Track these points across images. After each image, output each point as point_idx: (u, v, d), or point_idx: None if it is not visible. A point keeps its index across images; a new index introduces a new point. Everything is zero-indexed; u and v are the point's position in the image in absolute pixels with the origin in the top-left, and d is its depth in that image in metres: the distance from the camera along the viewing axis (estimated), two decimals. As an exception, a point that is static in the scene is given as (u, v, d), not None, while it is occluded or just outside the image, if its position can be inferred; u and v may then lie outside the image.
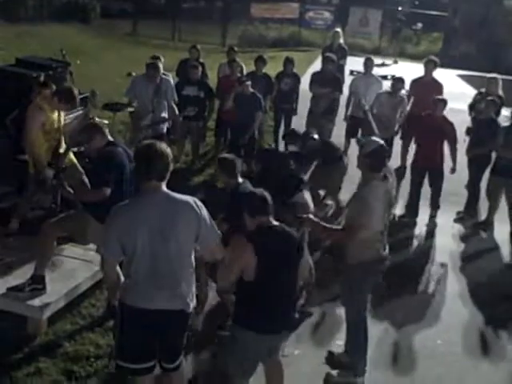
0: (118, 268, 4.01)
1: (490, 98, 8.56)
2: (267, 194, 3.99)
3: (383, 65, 19.97)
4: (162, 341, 3.81)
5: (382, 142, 4.80)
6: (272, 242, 3.88)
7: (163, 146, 3.72)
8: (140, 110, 8.12)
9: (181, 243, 3.65)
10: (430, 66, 9.60)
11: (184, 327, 3.87)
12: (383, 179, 4.64)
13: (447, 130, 8.00)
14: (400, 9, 22.63)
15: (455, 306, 6.34)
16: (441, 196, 8.31)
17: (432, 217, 8.32)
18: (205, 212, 3.74)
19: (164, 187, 3.71)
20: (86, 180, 6.15)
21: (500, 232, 8.13)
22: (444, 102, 8.13)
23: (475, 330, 5.93)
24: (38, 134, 5.96)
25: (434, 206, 8.35)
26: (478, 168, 8.40)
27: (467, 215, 8.51)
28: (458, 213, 8.58)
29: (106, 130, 5.24)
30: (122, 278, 3.88)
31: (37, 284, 4.95)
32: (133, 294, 3.73)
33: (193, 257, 3.79)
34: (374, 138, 5.01)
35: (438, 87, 9.38)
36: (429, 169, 8.17)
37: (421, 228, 8.18)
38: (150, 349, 3.80)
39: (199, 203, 3.73)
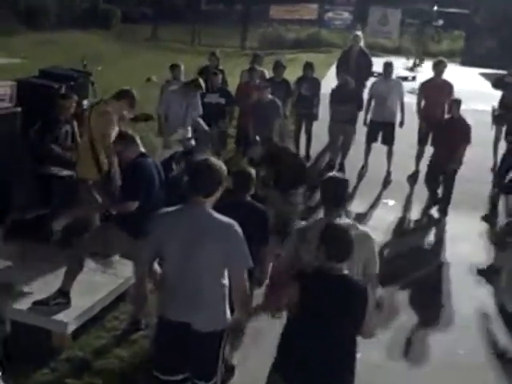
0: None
1: None
2: (352, 236, 3.51)
3: (412, 69, 19.81)
4: (188, 356, 3.78)
5: (341, 177, 4.18)
6: (326, 292, 3.44)
7: (217, 164, 3.70)
8: (171, 125, 8.16)
9: (209, 261, 3.64)
10: (439, 68, 9.55)
11: (210, 346, 3.77)
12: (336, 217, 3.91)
13: (464, 132, 8.04)
14: (436, 8, 22.15)
15: (478, 314, 6.24)
16: (450, 203, 8.33)
17: (440, 221, 8.33)
18: (240, 239, 3.66)
19: (208, 204, 3.69)
20: None
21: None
22: (458, 103, 8.19)
23: (499, 339, 5.82)
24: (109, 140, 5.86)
25: (443, 211, 8.38)
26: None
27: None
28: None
29: (139, 141, 5.28)
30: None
31: (62, 298, 5.00)
32: (162, 304, 3.83)
33: (225, 279, 3.72)
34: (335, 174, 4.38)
35: (448, 88, 9.33)
36: (444, 172, 8.22)
37: (444, 235, 8.12)
38: (178, 361, 3.78)
39: (237, 229, 3.65)
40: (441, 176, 8.36)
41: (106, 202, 5.79)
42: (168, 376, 3.81)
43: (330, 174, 4.26)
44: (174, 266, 3.68)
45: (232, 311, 3.82)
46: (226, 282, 3.73)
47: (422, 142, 9.51)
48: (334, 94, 9.86)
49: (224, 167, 3.73)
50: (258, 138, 7.26)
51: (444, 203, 8.38)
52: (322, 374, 3.46)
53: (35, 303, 4.97)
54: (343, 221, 3.91)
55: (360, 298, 3.47)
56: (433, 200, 8.54)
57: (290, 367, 3.53)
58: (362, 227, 4.02)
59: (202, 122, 8.48)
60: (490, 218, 8.47)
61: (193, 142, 8.40)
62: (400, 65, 17.40)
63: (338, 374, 3.51)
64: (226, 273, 3.70)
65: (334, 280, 3.45)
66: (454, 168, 8.15)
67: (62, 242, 6.05)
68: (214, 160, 3.75)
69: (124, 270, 5.65)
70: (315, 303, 3.42)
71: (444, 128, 8.28)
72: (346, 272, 3.49)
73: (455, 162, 8.08)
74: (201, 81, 8.26)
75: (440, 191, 8.51)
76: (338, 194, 3.99)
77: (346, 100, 9.55)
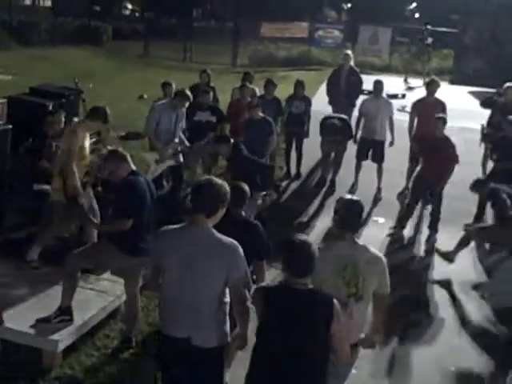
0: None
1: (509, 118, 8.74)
2: (315, 250, 3.50)
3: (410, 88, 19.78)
4: (190, 372, 3.79)
5: (356, 198, 4.10)
6: (288, 305, 3.46)
7: (220, 183, 3.74)
8: (163, 139, 8.18)
9: (209, 281, 3.67)
10: (433, 87, 9.65)
11: (212, 362, 3.81)
12: (353, 243, 3.93)
13: (450, 151, 8.11)
14: (428, 27, 22.09)
15: (469, 329, 6.24)
16: (440, 220, 8.38)
17: (431, 238, 8.37)
18: (241, 259, 3.72)
19: (210, 224, 3.72)
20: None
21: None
22: (443, 121, 8.27)
23: (490, 354, 5.79)
24: (73, 160, 5.91)
25: (433, 228, 8.43)
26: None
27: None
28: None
29: (130, 160, 5.30)
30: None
31: (64, 315, 4.99)
32: (161, 319, 3.90)
33: (224, 297, 3.75)
34: (350, 196, 4.27)
35: (441, 107, 9.42)
36: (430, 189, 8.32)
37: (433, 252, 8.11)
38: (181, 377, 3.82)
39: (239, 250, 3.71)
40: (428, 194, 8.43)
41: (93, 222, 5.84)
42: None
43: (350, 200, 4.07)
44: (175, 283, 3.71)
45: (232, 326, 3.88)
46: (226, 299, 3.76)
47: (412, 160, 9.58)
48: (326, 124, 9.74)
49: (226, 187, 3.76)
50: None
51: (434, 221, 8.44)
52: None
53: (38, 320, 4.94)
54: (356, 243, 3.91)
55: (325, 310, 3.45)
56: (406, 216, 8.60)
57: (260, 380, 3.56)
58: (373, 249, 3.98)
59: (182, 136, 8.49)
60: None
61: (181, 158, 8.43)
62: (390, 83, 17.50)
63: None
64: (226, 290, 3.74)
65: (298, 294, 3.46)
66: (440, 188, 8.24)
67: (44, 261, 6.03)
68: (216, 179, 3.79)
69: (115, 288, 5.65)
70: (280, 318, 3.45)
71: (429, 148, 8.34)
72: (310, 286, 3.50)
73: (441, 182, 8.18)
74: (187, 91, 8.31)
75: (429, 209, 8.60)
76: (356, 222, 4.01)
77: (336, 131, 9.62)
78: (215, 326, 3.75)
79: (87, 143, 6.15)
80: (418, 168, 8.77)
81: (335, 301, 3.52)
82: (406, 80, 21.40)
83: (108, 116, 6.12)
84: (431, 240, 8.35)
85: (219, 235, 3.71)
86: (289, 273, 3.48)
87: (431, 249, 8.15)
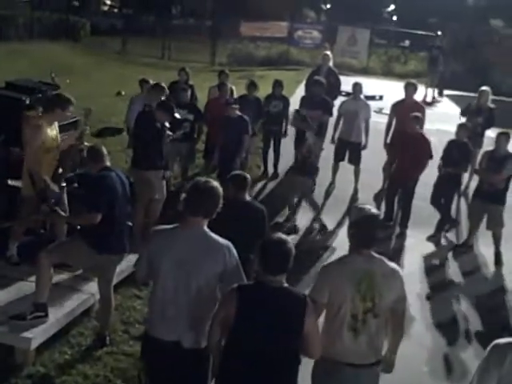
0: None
1: (461, 122, 8.91)
2: (290, 248, 3.51)
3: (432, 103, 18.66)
4: (178, 373, 3.79)
5: (372, 212, 3.84)
6: (262, 303, 3.44)
7: (216, 186, 3.78)
8: None
9: (204, 281, 3.68)
10: (410, 89, 9.73)
11: (199, 362, 3.80)
12: (369, 256, 3.75)
13: (423, 147, 8.22)
14: (439, 33, 21.70)
15: (440, 332, 6.31)
16: (410, 216, 8.49)
17: (401, 234, 8.47)
18: (235, 259, 3.75)
19: (205, 225, 3.76)
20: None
21: (483, 254, 8.24)
22: (418, 119, 8.37)
23: (462, 357, 5.88)
24: (38, 153, 5.84)
25: (404, 225, 8.55)
26: (448, 187, 8.54)
27: (438, 233, 8.64)
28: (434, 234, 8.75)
29: (106, 156, 5.28)
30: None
31: (39, 312, 4.94)
32: (150, 321, 3.86)
33: (216, 297, 3.75)
34: (366, 205, 3.93)
35: (419, 110, 9.49)
36: (401, 183, 8.47)
37: (410, 253, 8.20)
38: (168, 379, 3.81)
39: (233, 250, 3.75)
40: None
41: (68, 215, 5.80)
42: None
43: (365, 210, 3.82)
44: (168, 285, 3.70)
45: None
46: (217, 299, 3.75)
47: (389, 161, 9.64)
48: (305, 99, 10.05)
49: (220, 188, 3.78)
50: None
51: (404, 217, 8.60)
52: None
53: (12, 317, 4.89)
54: (373, 256, 3.74)
55: (299, 307, 3.43)
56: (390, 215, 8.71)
57: (232, 380, 3.53)
58: (390, 262, 3.80)
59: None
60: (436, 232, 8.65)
61: None
62: (367, 85, 17.58)
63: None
64: (217, 289, 3.74)
65: (271, 291, 3.45)
66: (413, 182, 8.42)
67: (20, 257, 5.97)
68: (213, 182, 3.81)
69: (89, 285, 5.61)
70: (254, 315, 3.43)
71: (403, 143, 8.42)
72: (285, 285, 3.50)
73: (414, 177, 8.35)
74: (162, 84, 8.33)
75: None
76: (375, 238, 3.80)
77: (314, 106, 9.68)
78: (205, 326, 3.72)
79: (53, 135, 6.03)
80: (395, 164, 8.85)
81: (308, 298, 3.52)
82: (440, 93, 20.19)
83: (66, 102, 5.94)
84: (406, 241, 8.42)
85: (214, 236, 3.74)
86: (264, 271, 3.48)
87: (407, 249, 8.23)
